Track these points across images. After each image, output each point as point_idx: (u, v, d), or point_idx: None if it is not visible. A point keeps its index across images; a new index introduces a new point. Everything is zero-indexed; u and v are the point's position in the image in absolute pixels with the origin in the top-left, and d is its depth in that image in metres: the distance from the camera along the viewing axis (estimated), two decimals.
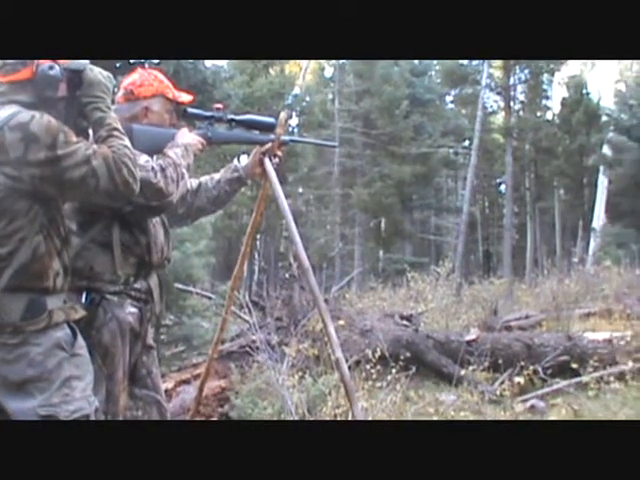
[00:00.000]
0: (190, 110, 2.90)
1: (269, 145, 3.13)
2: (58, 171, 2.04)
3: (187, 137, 2.78)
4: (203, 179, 3.12)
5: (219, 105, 3.01)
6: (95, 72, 2.23)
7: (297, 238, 3.04)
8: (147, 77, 2.75)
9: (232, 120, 3.04)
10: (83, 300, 2.47)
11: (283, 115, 3.19)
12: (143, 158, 2.51)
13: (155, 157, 2.58)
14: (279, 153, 3.17)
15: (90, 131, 2.25)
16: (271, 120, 3.16)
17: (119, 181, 2.11)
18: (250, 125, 3.14)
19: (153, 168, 2.48)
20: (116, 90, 2.74)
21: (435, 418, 4.68)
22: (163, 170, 2.51)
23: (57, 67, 2.14)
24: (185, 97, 2.84)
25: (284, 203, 3.10)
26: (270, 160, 3.14)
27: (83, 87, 2.21)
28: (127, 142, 2.20)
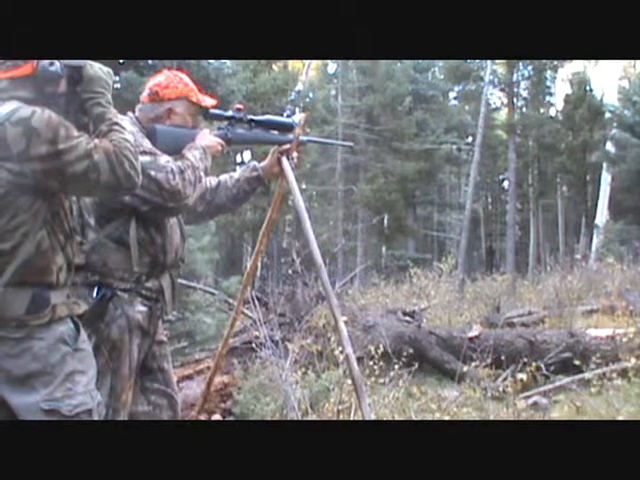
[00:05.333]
0: (211, 111, 2.93)
1: (287, 145, 3.17)
2: (60, 165, 2.04)
3: (206, 139, 2.80)
4: (222, 177, 3.16)
5: (239, 106, 3.05)
6: (95, 68, 2.23)
7: (312, 236, 3.08)
8: (172, 79, 2.77)
9: (252, 121, 3.07)
10: (95, 295, 2.49)
11: (302, 116, 3.23)
12: (164, 159, 2.53)
13: (173, 158, 2.59)
14: (296, 153, 3.21)
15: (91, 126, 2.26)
16: (290, 121, 3.20)
17: (121, 174, 2.11)
18: (269, 126, 3.17)
19: (172, 170, 2.51)
20: (140, 90, 2.76)
21: (438, 414, 4.68)
22: (182, 172, 2.53)
23: (57, 63, 2.14)
24: (209, 101, 2.87)
25: (300, 202, 3.15)
26: (288, 160, 3.18)
27: (83, 83, 2.21)
28: (128, 136, 2.20)
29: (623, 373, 5.43)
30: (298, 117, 3.21)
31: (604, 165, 22.15)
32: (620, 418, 4.42)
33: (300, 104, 23.56)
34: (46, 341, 2.10)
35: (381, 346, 5.30)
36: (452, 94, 30.48)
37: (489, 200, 34.14)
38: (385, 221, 26.47)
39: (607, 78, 26.29)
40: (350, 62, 23.79)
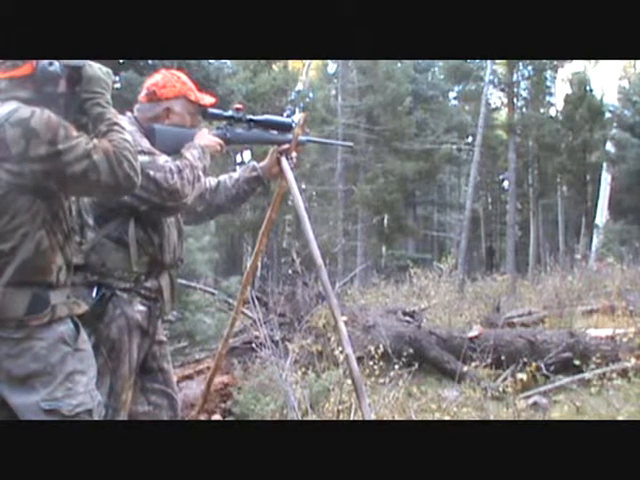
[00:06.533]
0: (210, 110, 2.93)
1: (287, 145, 3.17)
2: (59, 166, 2.05)
3: (205, 139, 2.79)
4: (222, 178, 3.16)
5: (239, 106, 3.04)
6: (94, 68, 2.23)
7: (311, 236, 3.07)
8: (170, 78, 2.77)
9: (251, 120, 3.07)
10: (94, 295, 2.49)
11: (302, 116, 3.22)
12: (162, 158, 2.53)
13: (172, 158, 2.59)
14: (295, 153, 3.20)
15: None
16: (289, 120, 3.20)
17: (120, 174, 2.11)
18: (268, 125, 3.16)
19: (171, 169, 2.50)
20: (139, 90, 2.76)
21: (438, 414, 4.68)
22: (180, 171, 2.53)
23: (57, 63, 2.15)
24: (207, 99, 2.86)
25: (300, 202, 3.15)
26: (287, 160, 3.17)
27: (83, 83, 2.21)
28: (127, 136, 2.20)
29: (623, 373, 5.43)
30: (297, 117, 3.22)
31: (604, 165, 22.16)
32: (620, 418, 4.42)
33: (300, 104, 23.56)
34: (46, 341, 2.10)
35: (381, 346, 5.30)
36: (452, 94, 30.43)
37: (489, 200, 34.09)
38: (385, 221, 26.45)
39: (607, 78, 26.28)
40: (350, 62, 23.76)
